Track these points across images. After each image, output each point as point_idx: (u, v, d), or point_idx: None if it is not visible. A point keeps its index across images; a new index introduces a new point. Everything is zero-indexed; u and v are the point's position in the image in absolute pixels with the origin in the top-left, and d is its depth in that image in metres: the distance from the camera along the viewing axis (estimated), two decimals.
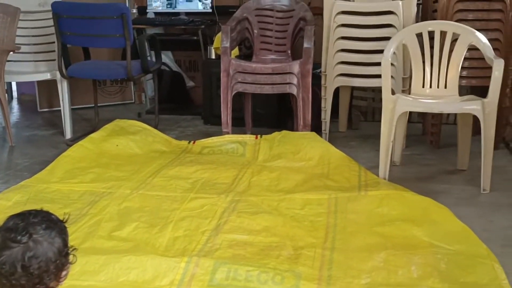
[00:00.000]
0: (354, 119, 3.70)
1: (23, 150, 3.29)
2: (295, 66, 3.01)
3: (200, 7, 4.13)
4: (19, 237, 1.05)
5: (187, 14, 4.18)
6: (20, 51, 3.53)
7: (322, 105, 3.30)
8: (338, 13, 3.11)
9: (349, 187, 2.48)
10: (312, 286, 1.68)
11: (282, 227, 2.12)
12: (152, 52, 3.97)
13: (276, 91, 3.09)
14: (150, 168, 2.82)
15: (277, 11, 3.38)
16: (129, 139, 3.17)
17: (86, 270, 1.76)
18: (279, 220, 2.18)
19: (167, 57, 4.39)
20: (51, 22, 3.60)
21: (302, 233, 2.07)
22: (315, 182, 2.58)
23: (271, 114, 3.72)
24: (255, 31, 3.39)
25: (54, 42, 3.61)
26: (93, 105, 3.94)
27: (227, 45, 3.06)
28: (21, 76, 3.62)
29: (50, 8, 3.48)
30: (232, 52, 3.24)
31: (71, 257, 1.13)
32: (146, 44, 3.36)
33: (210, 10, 4.12)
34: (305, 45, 3.00)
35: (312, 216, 2.21)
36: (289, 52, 3.39)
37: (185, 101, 4.42)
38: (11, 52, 3.37)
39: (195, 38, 4.00)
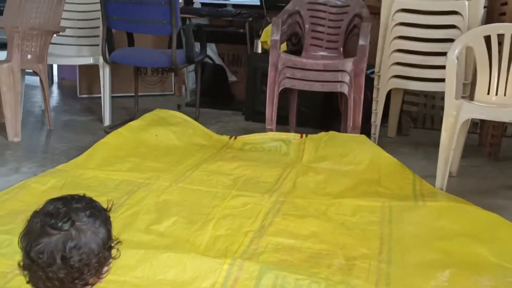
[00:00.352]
0: (404, 124, 3.50)
1: (61, 134, 3.21)
2: (349, 64, 2.84)
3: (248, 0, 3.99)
4: (60, 224, 0.91)
5: (234, 6, 4.05)
6: (64, 33, 3.46)
7: (373, 107, 3.12)
8: (398, 11, 2.93)
9: (403, 196, 2.29)
10: None
11: (331, 234, 1.96)
12: (196, 44, 3.86)
13: (326, 89, 2.92)
14: (190, 161, 2.70)
15: (331, 6, 3.21)
16: (169, 130, 3.05)
17: (122, 265, 1.61)
18: (328, 226, 2.02)
19: (210, 50, 4.27)
20: (96, 7, 3.53)
21: (354, 242, 1.90)
22: (365, 188, 2.40)
23: (316, 114, 3.56)
24: (306, 26, 3.24)
25: (98, 27, 3.53)
26: (132, 94, 3.84)
27: (277, 38, 2.91)
28: (63, 59, 3.54)
29: None
30: (280, 46, 3.09)
31: (114, 252, 1.00)
32: (192, 33, 3.23)
33: (258, 3, 3.98)
34: (361, 42, 2.83)
35: (364, 224, 2.04)
36: (341, 50, 3.22)
37: (226, 95, 4.29)
38: (55, 35, 3.29)
39: (242, 31, 3.87)
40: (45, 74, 3.17)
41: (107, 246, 0.96)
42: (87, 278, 0.94)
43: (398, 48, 2.98)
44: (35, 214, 0.95)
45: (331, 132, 2.97)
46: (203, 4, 4.08)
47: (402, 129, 3.49)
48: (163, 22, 3.03)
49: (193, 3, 4.10)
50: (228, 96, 4.31)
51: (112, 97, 3.73)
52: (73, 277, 0.92)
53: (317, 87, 2.90)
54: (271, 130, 3.05)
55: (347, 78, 2.86)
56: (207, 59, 4.20)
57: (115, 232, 1.84)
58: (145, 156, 2.73)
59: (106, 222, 0.97)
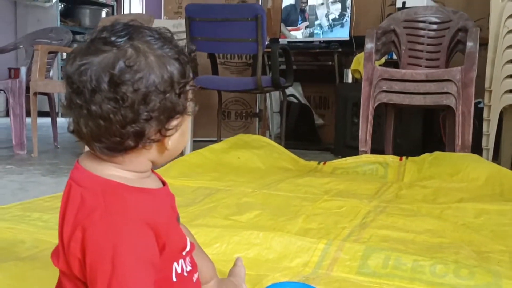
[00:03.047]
0: None
1: None
2: (456, 73, 2.51)
3: (337, 35, 3.82)
4: (113, 38, 0.66)
5: (322, 43, 3.89)
6: None
7: (484, 129, 2.72)
8: (510, 17, 2.60)
9: None
10: None
11: (452, 231, 1.55)
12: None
13: (429, 102, 2.58)
14: (275, 177, 2.41)
15: (431, 22, 2.94)
16: (252, 152, 2.80)
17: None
18: (447, 225, 1.62)
19: (296, 91, 4.09)
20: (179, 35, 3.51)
21: (483, 239, 1.49)
22: (488, 199, 1.98)
23: (413, 144, 3.19)
24: (403, 46, 2.97)
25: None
26: (214, 138, 3.69)
27: (372, 47, 2.66)
28: None
29: (183, 29, 3.39)
30: (376, 62, 2.82)
31: (189, 103, 0.72)
32: (277, 55, 3.06)
33: (348, 38, 3.80)
34: (469, 48, 2.51)
35: (494, 226, 1.62)
36: (444, 67, 2.89)
37: (312, 138, 4.02)
38: None
39: (330, 63, 3.67)
40: None
41: (177, 86, 0.68)
42: (145, 126, 0.66)
43: None
44: (89, 32, 0.71)
45: (436, 153, 2.58)
46: (289, 42, 3.95)
47: None
48: (248, 40, 2.89)
49: (278, 42, 3.97)
50: (315, 139, 4.04)
51: (194, 141, 3.60)
52: (124, 117, 0.65)
53: (419, 100, 2.57)
54: (365, 152, 2.71)
55: (454, 89, 2.51)
56: (292, 99, 4.01)
57: (188, 219, 1.57)
58: (226, 173, 2.48)
59: (180, 54, 0.70)
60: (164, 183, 0.77)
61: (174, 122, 0.69)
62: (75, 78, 0.65)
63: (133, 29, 0.67)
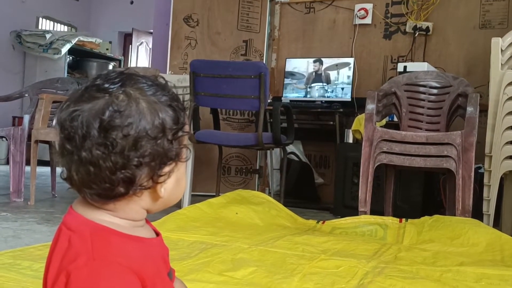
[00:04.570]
0: None
1: None
2: (456, 137, 2.52)
3: (339, 96, 3.88)
4: (107, 85, 0.66)
5: (324, 103, 3.93)
6: None
7: (485, 194, 2.70)
8: (509, 84, 2.64)
9: None
10: None
11: None
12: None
13: (430, 165, 2.57)
14: (272, 234, 2.38)
15: (431, 87, 2.98)
16: (250, 208, 2.78)
17: None
18: None
19: (296, 149, 4.10)
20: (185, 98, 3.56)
21: None
22: (489, 264, 1.94)
23: (413, 206, 3.17)
24: (404, 108, 3.00)
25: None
26: (213, 193, 3.68)
27: (373, 108, 2.68)
28: None
29: (187, 84, 3.44)
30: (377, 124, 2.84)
31: (183, 150, 0.71)
32: (279, 113, 3.09)
33: (349, 99, 3.84)
34: (469, 112, 2.53)
35: None
36: (444, 131, 2.91)
37: (312, 197, 4.00)
38: None
39: (331, 123, 3.69)
40: None
41: (169, 132, 0.68)
42: (135, 172, 0.66)
43: None
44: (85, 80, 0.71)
45: (436, 216, 2.56)
46: (291, 101, 4.00)
47: None
48: (251, 97, 2.92)
49: (280, 100, 4.03)
50: (315, 198, 4.01)
51: (193, 195, 3.58)
52: (114, 163, 0.64)
53: (419, 163, 2.57)
54: (365, 213, 2.69)
55: (454, 153, 2.52)
56: (293, 156, 4.02)
57: (181, 273, 1.53)
58: (222, 228, 2.45)
59: (173, 100, 0.70)
60: (157, 234, 0.76)
61: (166, 169, 0.68)
62: (67, 124, 0.65)
63: (126, 76, 0.68)
